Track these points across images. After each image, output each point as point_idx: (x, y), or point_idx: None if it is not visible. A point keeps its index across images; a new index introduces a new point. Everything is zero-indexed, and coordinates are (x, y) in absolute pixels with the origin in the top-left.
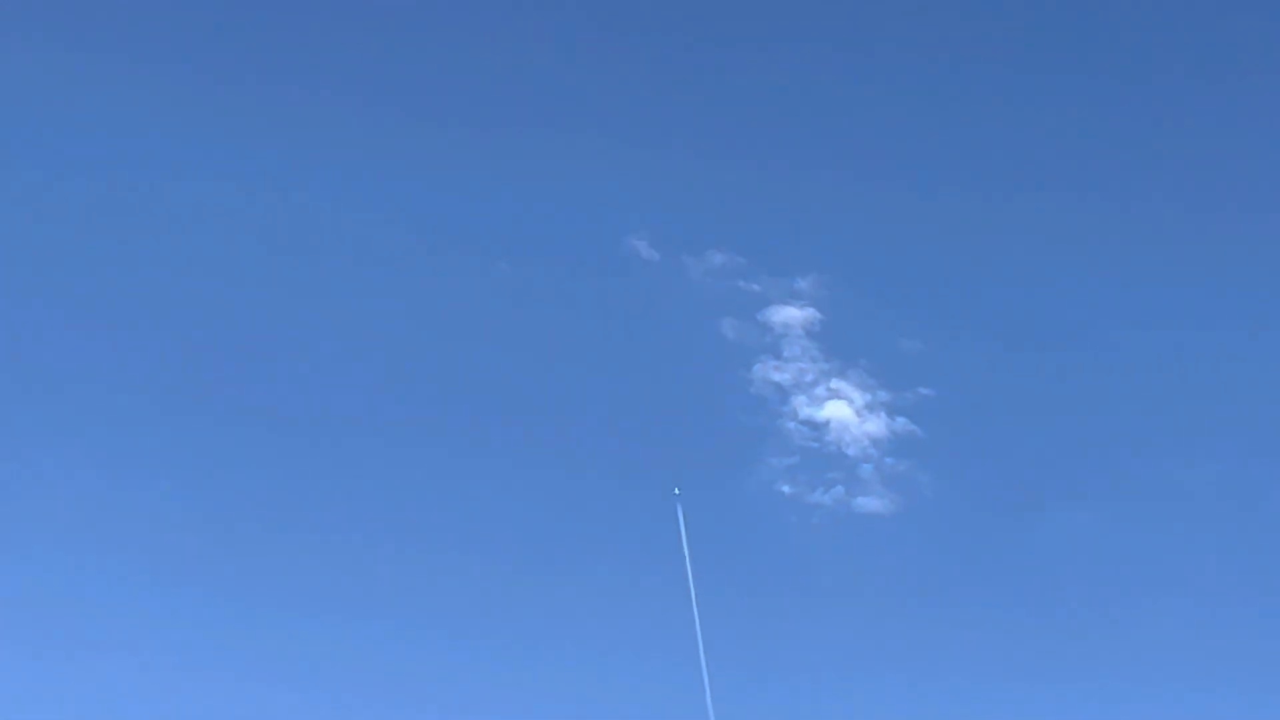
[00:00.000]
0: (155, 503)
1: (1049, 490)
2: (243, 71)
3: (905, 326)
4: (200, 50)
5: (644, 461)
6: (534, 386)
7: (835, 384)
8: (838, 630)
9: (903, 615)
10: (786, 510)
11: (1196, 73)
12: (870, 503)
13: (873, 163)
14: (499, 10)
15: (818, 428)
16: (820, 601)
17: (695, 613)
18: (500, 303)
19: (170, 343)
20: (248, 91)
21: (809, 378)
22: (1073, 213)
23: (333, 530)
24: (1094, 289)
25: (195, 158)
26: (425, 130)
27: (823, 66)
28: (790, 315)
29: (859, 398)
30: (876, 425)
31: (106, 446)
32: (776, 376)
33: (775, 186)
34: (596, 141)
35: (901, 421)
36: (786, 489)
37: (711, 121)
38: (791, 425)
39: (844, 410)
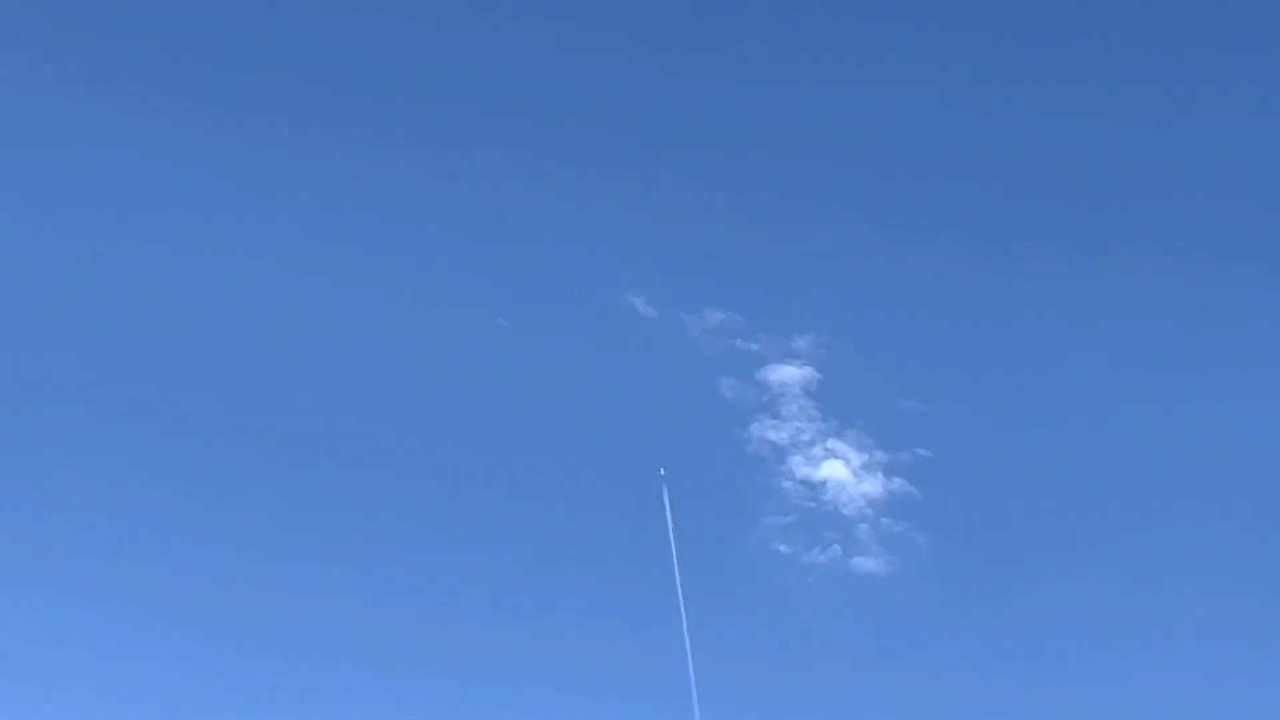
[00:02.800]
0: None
1: (1046, 552)
2: (238, 137)
3: (903, 387)
4: (189, 114)
5: (640, 518)
6: (530, 443)
7: (832, 444)
8: (833, 690)
9: (899, 675)
10: (782, 569)
11: (1210, 144)
12: (866, 563)
13: (873, 223)
14: (498, 66)
15: (814, 487)
16: (816, 661)
17: (687, 638)
18: (497, 358)
19: (169, 405)
20: (246, 154)
21: (806, 437)
22: (1073, 277)
23: (331, 557)
24: (1094, 354)
25: (189, 218)
26: (422, 184)
27: (823, 127)
28: (788, 374)
29: (856, 458)
30: (873, 485)
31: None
32: (774, 435)
33: (774, 245)
34: (595, 198)
35: (898, 482)
36: (783, 548)
37: (711, 180)
38: (788, 484)
39: (841, 470)
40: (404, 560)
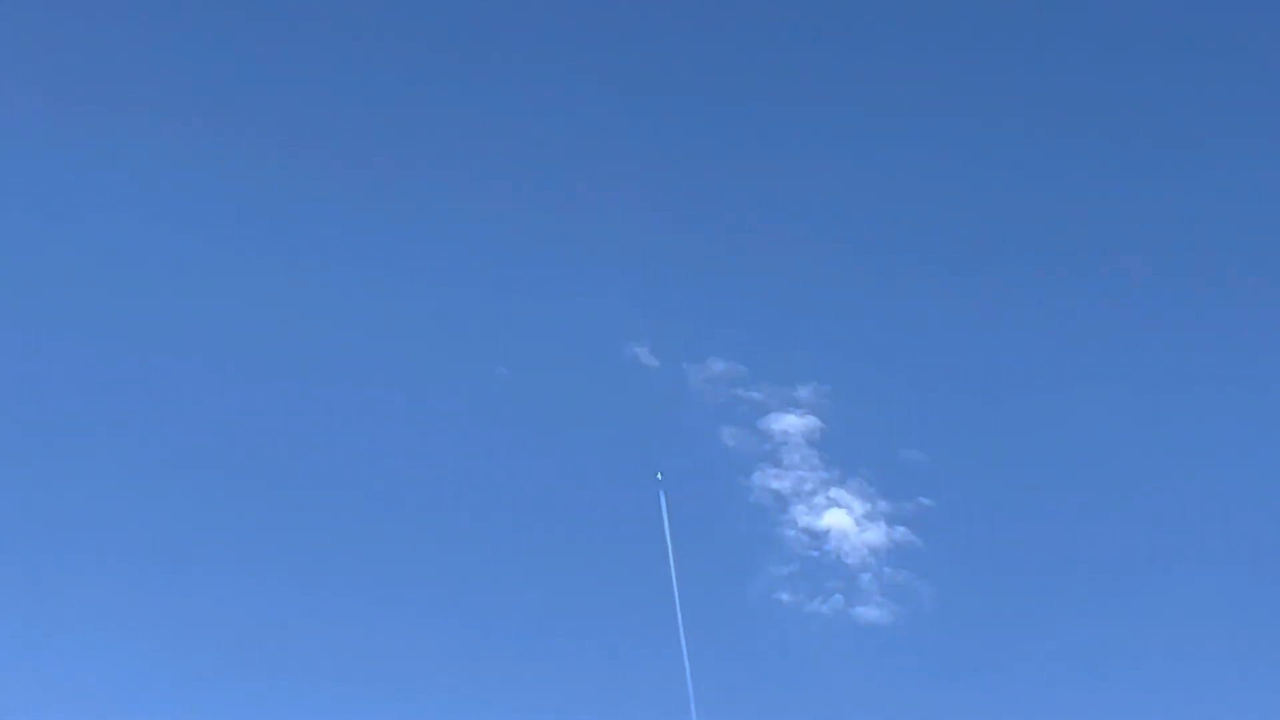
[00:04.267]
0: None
1: (1048, 602)
2: (239, 173)
3: (905, 436)
4: (183, 152)
5: (643, 567)
6: (531, 492)
7: (835, 493)
8: None
9: None
10: (785, 619)
11: (1214, 185)
12: (869, 612)
13: (874, 274)
14: (502, 117)
15: (817, 536)
16: (819, 711)
17: (689, 685)
18: (499, 408)
19: (168, 453)
20: (247, 191)
21: (809, 486)
22: (1076, 328)
23: (336, 594)
24: (1096, 405)
25: (188, 261)
26: (424, 233)
27: (824, 180)
28: (790, 423)
29: (859, 507)
30: (876, 535)
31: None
32: (776, 484)
33: (776, 295)
34: (597, 248)
35: (901, 531)
36: (785, 597)
37: (713, 230)
38: (791, 534)
39: (843, 519)
40: (407, 605)
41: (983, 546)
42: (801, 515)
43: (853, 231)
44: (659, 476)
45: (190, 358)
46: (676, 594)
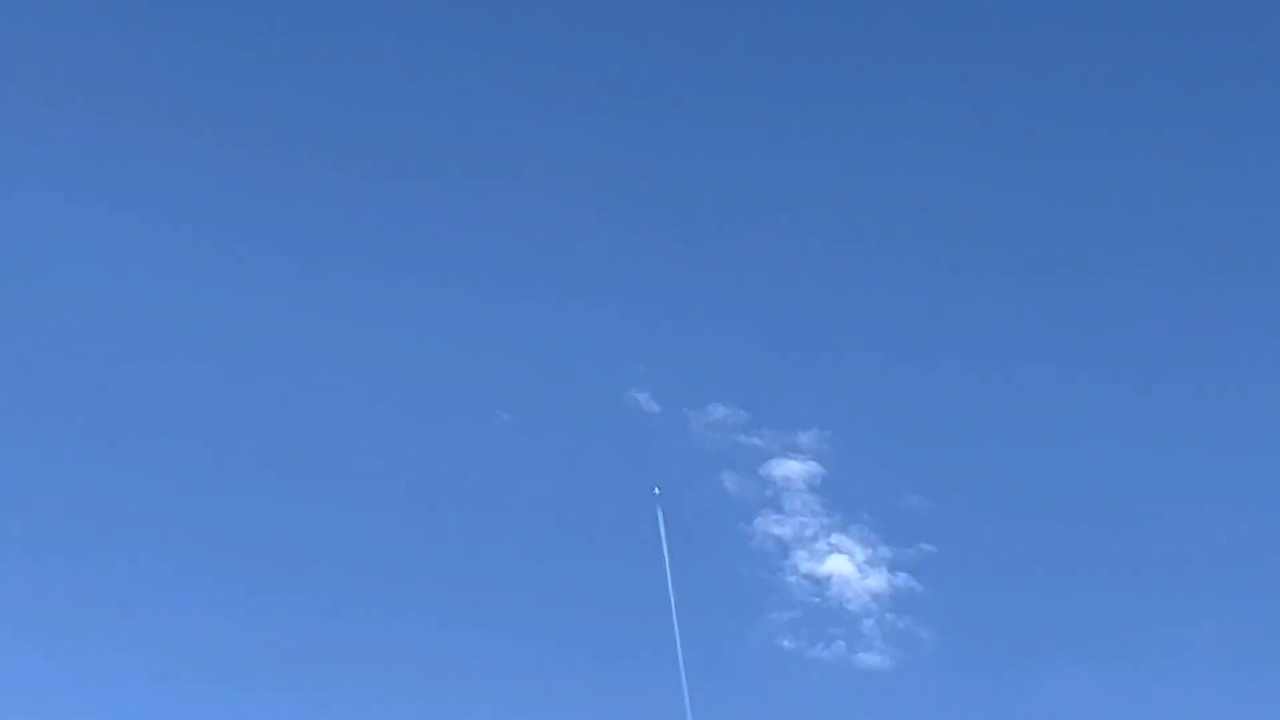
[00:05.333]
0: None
1: (1051, 649)
2: (241, 229)
3: (907, 482)
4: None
5: (644, 614)
6: (532, 538)
7: (836, 539)
8: None
9: None
10: (787, 665)
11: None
12: (871, 658)
13: (875, 318)
14: (500, 159)
15: (819, 582)
16: None
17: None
18: (500, 453)
19: (174, 490)
20: (256, 264)
21: (810, 532)
22: (1075, 373)
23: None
24: (1097, 449)
25: (191, 314)
26: (424, 279)
27: (824, 225)
28: (792, 469)
29: (860, 553)
30: (878, 581)
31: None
32: (778, 530)
33: (777, 340)
34: (598, 294)
35: (903, 577)
36: (787, 643)
37: (714, 275)
38: (792, 579)
39: (845, 565)
40: (409, 646)
41: (984, 592)
42: (803, 561)
43: (853, 281)
44: (656, 491)
45: (194, 435)
46: (676, 621)
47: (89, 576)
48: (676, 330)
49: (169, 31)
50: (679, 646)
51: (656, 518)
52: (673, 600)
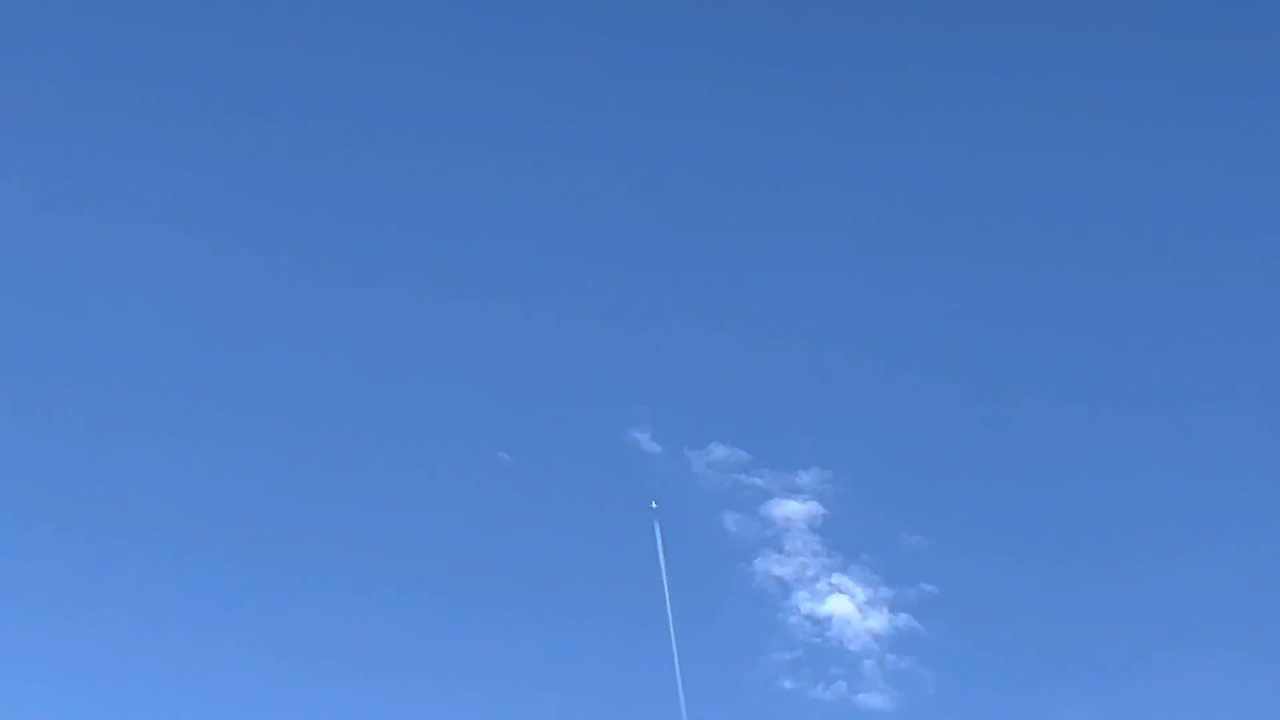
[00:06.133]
0: None
1: (1052, 689)
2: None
3: (908, 522)
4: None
5: (645, 654)
6: (534, 578)
7: (837, 579)
8: None
9: None
10: (788, 705)
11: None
12: (872, 699)
13: (875, 359)
14: (501, 195)
15: (820, 623)
16: None
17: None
18: (500, 494)
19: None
20: (261, 299)
21: (811, 572)
22: (1076, 414)
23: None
24: (1097, 489)
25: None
26: (424, 319)
27: (825, 264)
28: (793, 509)
29: (861, 593)
30: (879, 621)
31: None
32: (778, 571)
33: (778, 381)
34: (598, 334)
35: (904, 618)
36: (788, 684)
37: (714, 315)
38: (793, 620)
39: (846, 606)
40: (409, 689)
41: (985, 633)
42: (804, 601)
43: (853, 320)
44: (654, 505)
45: (196, 455)
46: (677, 662)
47: (89, 576)
48: (677, 370)
49: (168, 29)
50: (680, 687)
51: (656, 547)
52: (673, 636)
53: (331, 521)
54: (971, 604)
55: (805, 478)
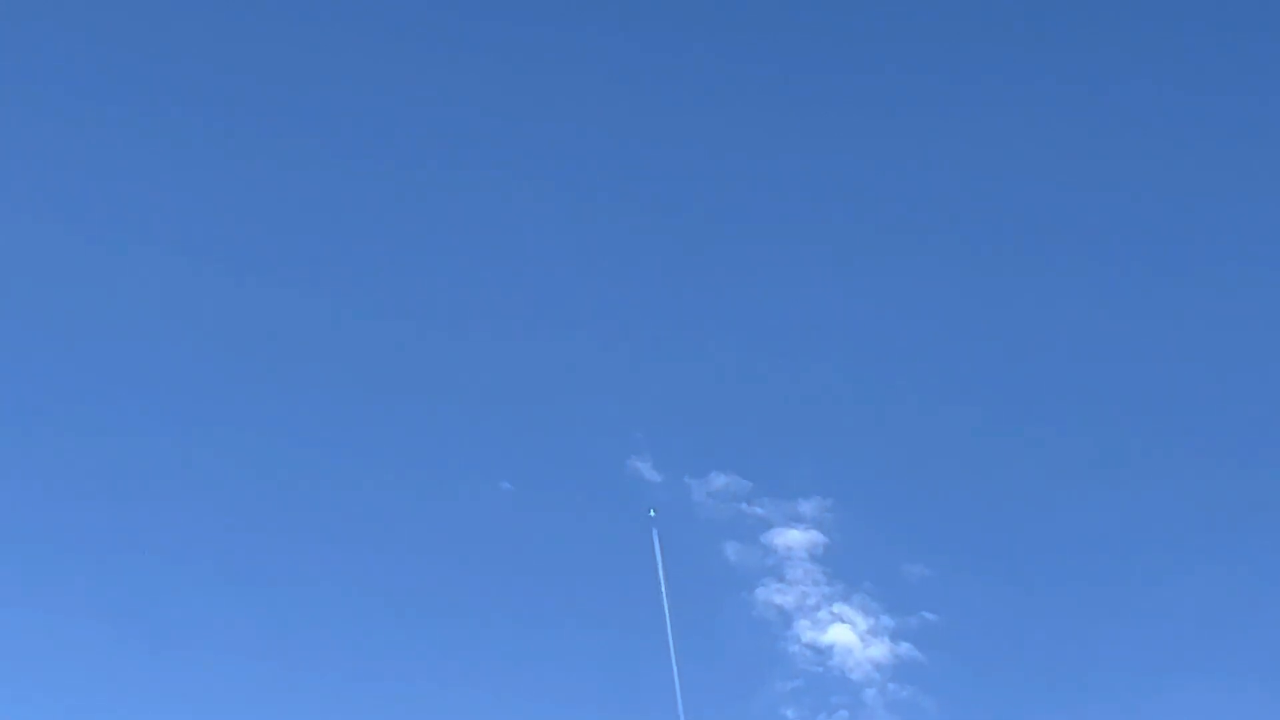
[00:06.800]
0: None
1: (1053, 717)
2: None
3: (909, 551)
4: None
5: (648, 685)
6: (535, 607)
7: (839, 608)
8: None
9: None
10: None
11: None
12: None
13: (878, 389)
14: (503, 240)
15: (821, 652)
16: None
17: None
18: (502, 523)
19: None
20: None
21: (812, 601)
22: (1076, 440)
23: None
24: (1099, 518)
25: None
26: (426, 349)
27: (825, 294)
28: (794, 538)
29: (863, 622)
30: (880, 650)
31: None
32: (780, 600)
33: (779, 410)
34: (599, 363)
35: (905, 646)
36: (790, 713)
37: (715, 346)
38: (795, 649)
39: (848, 635)
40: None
41: (987, 661)
42: (805, 631)
43: (855, 349)
44: (652, 513)
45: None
46: (679, 693)
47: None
48: (678, 400)
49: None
50: (681, 717)
51: (655, 558)
52: (672, 651)
53: (333, 549)
54: (972, 632)
55: (806, 506)
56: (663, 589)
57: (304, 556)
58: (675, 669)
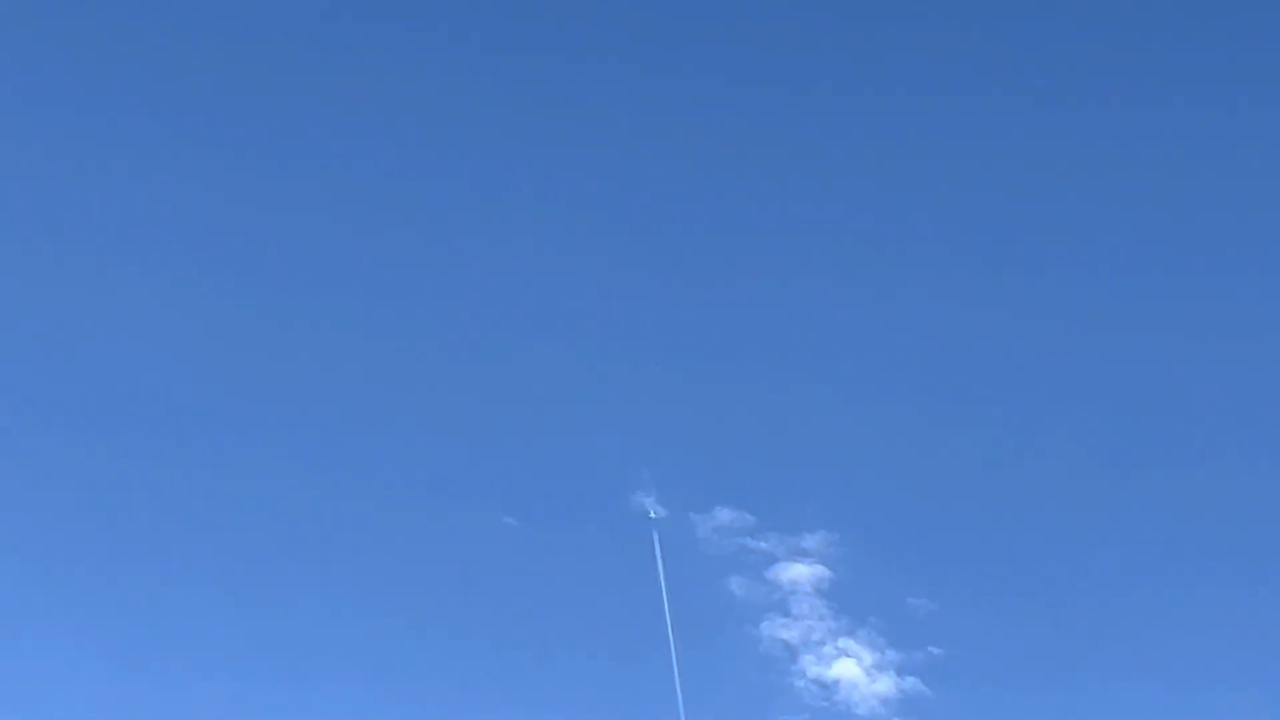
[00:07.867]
0: None
1: None
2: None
3: (915, 585)
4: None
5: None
6: (538, 644)
7: (844, 642)
8: None
9: None
10: None
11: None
12: None
13: (883, 422)
14: (502, 266)
15: (827, 687)
16: None
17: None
18: (505, 558)
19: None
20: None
21: (818, 636)
22: (1085, 472)
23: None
24: (1107, 550)
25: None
26: (431, 383)
27: (829, 323)
28: (799, 573)
29: (868, 657)
30: (886, 685)
31: None
32: (785, 634)
33: (783, 444)
34: (602, 397)
35: (911, 681)
36: None
37: (719, 379)
38: (800, 684)
39: (853, 669)
40: None
41: (992, 696)
42: (811, 665)
43: (860, 381)
44: (652, 515)
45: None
46: (675, 659)
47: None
48: (681, 433)
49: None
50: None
51: (657, 571)
52: (674, 658)
53: (334, 583)
54: (978, 667)
55: (811, 541)
56: (663, 589)
57: (303, 593)
58: (680, 700)
